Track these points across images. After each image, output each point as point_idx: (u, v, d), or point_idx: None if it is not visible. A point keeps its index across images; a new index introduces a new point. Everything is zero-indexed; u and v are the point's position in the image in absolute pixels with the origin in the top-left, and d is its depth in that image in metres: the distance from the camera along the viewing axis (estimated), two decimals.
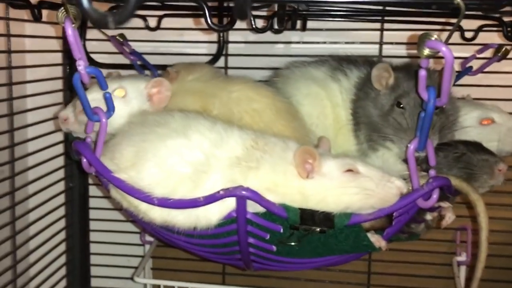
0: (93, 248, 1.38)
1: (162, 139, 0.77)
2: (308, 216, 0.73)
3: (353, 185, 0.72)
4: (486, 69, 1.07)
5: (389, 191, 0.73)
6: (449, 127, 0.93)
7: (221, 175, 0.74)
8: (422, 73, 0.69)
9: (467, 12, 0.63)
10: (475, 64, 1.09)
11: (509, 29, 1.06)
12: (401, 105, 0.91)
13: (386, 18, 1.17)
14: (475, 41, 1.12)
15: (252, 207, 0.73)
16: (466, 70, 1.09)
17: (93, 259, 1.39)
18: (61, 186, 1.29)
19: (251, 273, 1.28)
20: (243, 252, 0.82)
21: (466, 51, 1.11)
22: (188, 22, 1.25)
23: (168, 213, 0.76)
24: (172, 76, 0.99)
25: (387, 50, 1.20)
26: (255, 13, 1.13)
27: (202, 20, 1.19)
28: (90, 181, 1.35)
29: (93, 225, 1.37)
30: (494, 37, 1.14)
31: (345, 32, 1.21)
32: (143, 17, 1.22)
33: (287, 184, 0.73)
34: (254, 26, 0.93)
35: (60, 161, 1.28)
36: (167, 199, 0.73)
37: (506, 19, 1.06)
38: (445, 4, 0.85)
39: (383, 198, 0.73)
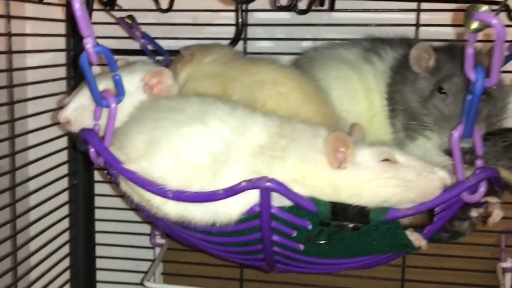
0: (99, 251, 1.38)
1: (177, 126, 0.76)
2: (340, 211, 0.72)
3: (391, 176, 0.71)
4: None
5: (431, 183, 0.71)
6: (497, 115, 0.91)
7: (242, 165, 0.73)
8: (470, 50, 0.67)
9: None
10: None
11: None
12: (443, 90, 0.89)
13: None
14: None
15: (277, 200, 0.72)
16: None
17: (99, 263, 1.39)
18: (64, 183, 1.28)
19: (272, 279, 1.27)
20: (266, 251, 0.81)
21: None
22: (203, 2, 1.24)
23: (183, 208, 0.75)
24: (186, 59, 0.98)
25: (424, 33, 1.18)
26: None
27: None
28: (96, 178, 1.35)
29: (99, 226, 1.37)
30: None
31: (377, 14, 1.18)
32: None
33: (316, 175, 0.72)
34: (277, 5, 0.93)
35: (64, 156, 1.28)
36: (183, 192, 0.73)
37: None
38: None
39: (424, 190, 0.71)
